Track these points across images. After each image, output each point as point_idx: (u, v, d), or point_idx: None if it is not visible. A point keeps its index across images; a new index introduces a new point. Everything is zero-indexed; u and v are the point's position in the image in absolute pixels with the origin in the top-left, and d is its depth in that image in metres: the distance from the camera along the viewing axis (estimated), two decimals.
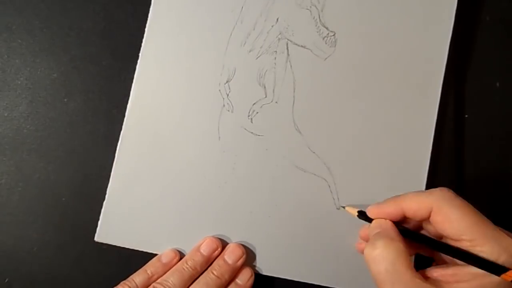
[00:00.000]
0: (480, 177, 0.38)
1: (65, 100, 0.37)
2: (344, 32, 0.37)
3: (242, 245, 0.35)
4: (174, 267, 0.34)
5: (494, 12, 0.39)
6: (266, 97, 0.37)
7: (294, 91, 0.36)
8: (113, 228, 0.36)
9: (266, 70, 0.36)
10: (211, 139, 0.36)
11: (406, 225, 0.31)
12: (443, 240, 0.29)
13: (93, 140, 0.37)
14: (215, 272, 0.34)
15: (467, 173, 0.38)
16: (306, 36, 0.37)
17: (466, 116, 0.38)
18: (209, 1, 0.37)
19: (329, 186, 0.36)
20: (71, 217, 0.37)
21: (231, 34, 0.37)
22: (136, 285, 0.33)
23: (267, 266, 0.36)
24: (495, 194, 0.38)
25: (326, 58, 0.37)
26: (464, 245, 0.27)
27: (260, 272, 0.36)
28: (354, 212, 0.33)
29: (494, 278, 0.26)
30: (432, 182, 0.36)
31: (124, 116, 0.36)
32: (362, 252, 0.32)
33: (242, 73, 0.36)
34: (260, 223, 0.36)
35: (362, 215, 0.33)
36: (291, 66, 0.37)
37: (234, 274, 0.35)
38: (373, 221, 0.31)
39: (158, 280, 0.33)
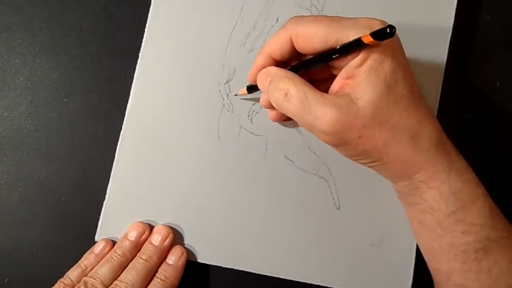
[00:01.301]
0: (480, 177, 0.38)
1: (65, 100, 0.37)
2: None
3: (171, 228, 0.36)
4: (104, 258, 0.34)
5: (494, 12, 0.39)
6: None
7: None
8: (113, 228, 0.36)
9: None
10: (211, 139, 0.36)
11: None
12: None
13: (93, 140, 0.37)
14: (143, 256, 0.34)
15: None
16: None
17: (466, 116, 0.38)
18: (209, 1, 0.37)
19: (329, 186, 0.36)
20: (71, 217, 0.37)
21: (231, 34, 0.37)
22: (72, 281, 0.33)
23: (267, 266, 0.36)
24: (495, 194, 0.38)
25: None
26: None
27: (260, 272, 0.36)
28: (244, 91, 0.34)
29: (371, 56, 0.27)
30: None
31: (124, 116, 0.36)
32: (280, 119, 0.34)
33: (242, 73, 0.36)
34: (260, 223, 0.36)
35: (251, 88, 0.34)
36: None
37: (164, 255, 0.35)
38: (258, 77, 0.32)
39: (89, 274, 0.33)
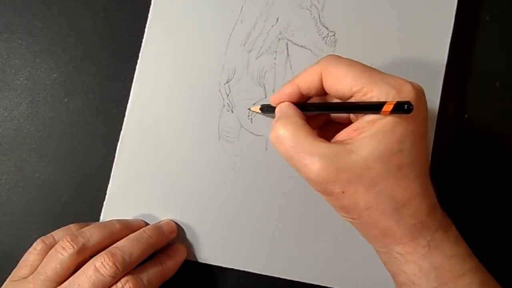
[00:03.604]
0: (480, 177, 0.38)
1: (65, 100, 0.37)
2: (344, 32, 0.37)
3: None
4: (133, 235, 0.33)
5: (494, 12, 0.39)
6: (266, 97, 0.36)
7: None
8: None
9: (266, 70, 0.36)
10: (211, 139, 0.36)
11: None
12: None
13: (93, 140, 0.37)
14: (147, 231, 0.33)
15: (467, 173, 0.38)
16: (306, 36, 0.36)
17: (466, 116, 0.38)
18: (209, 1, 0.37)
19: None
20: (71, 217, 0.37)
21: (231, 34, 0.37)
22: (55, 241, 0.33)
23: (267, 266, 0.36)
24: (495, 194, 0.38)
25: None
26: (358, 97, 0.27)
27: (260, 272, 0.36)
28: (257, 109, 0.34)
29: (387, 117, 0.26)
30: (433, 182, 0.36)
31: (124, 116, 0.36)
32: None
33: (242, 73, 0.36)
34: (260, 223, 0.36)
35: (266, 108, 0.34)
36: (291, 66, 0.37)
37: (164, 241, 0.34)
38: (276, 108, 0.31)
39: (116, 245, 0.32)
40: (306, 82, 0.30)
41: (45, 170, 0.37)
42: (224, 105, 0.36)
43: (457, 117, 0.38)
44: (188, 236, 0.36)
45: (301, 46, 0.37)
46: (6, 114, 0.37)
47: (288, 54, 0.37)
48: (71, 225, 0.34)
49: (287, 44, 0.37)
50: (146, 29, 0.36)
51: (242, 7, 0.37)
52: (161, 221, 0.35)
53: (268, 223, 0.36)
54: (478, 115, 0.38)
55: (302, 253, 0.36)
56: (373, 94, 0.26)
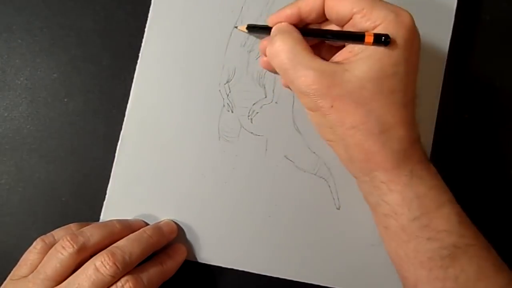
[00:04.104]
0: (480, 177, 0.38)
1: (65, 100, 0.37)
2: None
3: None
4: (133, 235, 0.33)
5: (494, 12, 0.39)
6: (266, 97, 0.37)
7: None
8: None
9: (266, 71, 0.36)
10: (211, 139, 0.36)
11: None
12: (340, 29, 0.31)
13: (93, 140, 0.37)
14: (147, 231, 0.33)
15: (467, 173, 0.38)
16: None
17: (466, 116, 0.38)
18: (209, 1, 0.37)
19: (329, 186, 0.36)
20: (71, 217, 0.37)
21: (231, 35, 0.37)
22: (55, 240, 0.33)
23: (267, 266, 0.36)
24: (495, 194, 0.38)
25: None
26: (357, 19, 0.28)
27: (260, 272, 0.36)
28: (244, 28, 0.34)
29: (378, 47, 0.27)
30: None
31: (124, 116, 0.36)
32: (267, 68, 0.34)
33: (242, 73, 0.36)
34: (260, 223, 0.36)
35: (253, 27, 0.34)
36: None
37: (164, 241, 0.34)
38: (273, 28, 0.31)
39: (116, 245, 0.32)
40: (308, 5, 0.30)
41: (45, 170, 0.37)
42: (224, 105, 0.36)
43: (457, 117, 0.38)
44: (188, 236, 0.36)
45: None
46: (6, 114, 0.37)
47: None
48: (71, 225, 0.34)
49: None
50: (146, 29, 0.36)
51: (242, 7, 0.37)
52: (161, 221, 0.35)
53: (268, 223, 0.36)
54: (478, 115, 0.38)
55: (302, 253, 0.36)
56: (372, 15, 0.27)
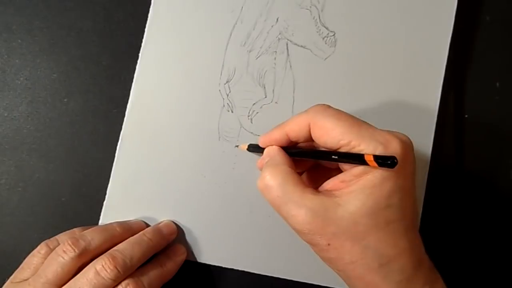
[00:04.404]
0: (480, 177, 0.38)
1: (65, 100, 0.37)
2: (344, 32, 0.37)
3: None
4: (133, 238, 0.33)
5: (494, 12, 0.39)
6: (266, 97, 0.37)
7: (294, 91, 0.37)
8: None
9: (266, 70, 0.36)
10: (211, 139, 0.36)
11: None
12: None
13: (93, 140, 0.37)
14: (147, 234, 0.33)
15: (467, 173, 0.38)
16: (306, 36, 0.37)
17: (466, 116, 0.38)
18: (209, 1, 0.37)
19: None
20: (71, 217, 0.37)
21: (231, 34, 0.37)
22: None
23: (267, 266, 0.36)
24: (495, 194, 0.38)
25: (326, 58, 0.37)
26: (345, 150, 0.27)
27: (260, 272, 0.36)
28: (245, 147, 0.35)
29: (374, 172, 0.26)
30: (433, 182, 0.36)
31: (124, 116, 0.36)
32: None
33: (242, 73, 0.36)
34: (260, 223, 0.36)
35: (253, 147, 0.34)
36: (291, 66, 0.37)
37: (164, 243, 0.34)
38: (264, 151, 0.31)
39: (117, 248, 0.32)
40: (294, 131, 0.29)
41: (45, 170, 0.37)
42: (224, 105, 0.36)
43: (457, 117, 0.38)
44: (188, 236, 0.36)
45: (301, 46, 0.37)
46: (6, 114, 0.37)
47: (288, 54, 0.37)
48: (76, 229, 0.34)
49: (287, 44, 0.37)
50: (146, 29, 0.36)
51: (242, 7, 0.37)
52: (160, 223, 0.35)
53: (268, 223, 0.36)
54: (478, 115, 0.38)
55: (302, 253, 0.36)
56: (361, 148, 0.26)
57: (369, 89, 0.36)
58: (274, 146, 0.31)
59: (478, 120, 0.38)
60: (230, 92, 0.37)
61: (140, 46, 0.36)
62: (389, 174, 0.26)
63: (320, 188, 0.29)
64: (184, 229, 0.36)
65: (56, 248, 0.31)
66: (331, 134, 0.27)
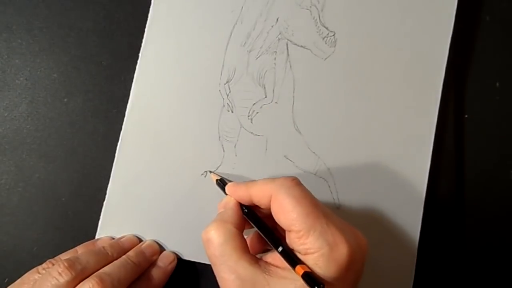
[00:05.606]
0: (480, 177, 0.38)
1: (65, 100, 0.37)
2: (344, 32, 0.37)
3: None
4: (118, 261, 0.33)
5: (494, 12, 0.39)
6: (266, 97, 0.37)
7: (294, 91, 0.37)
8: (113, 228, 0.36)
9: (266, 70, 0.36)
10: (211, 139, 0.36)
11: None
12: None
13: (93, 140, 0.37)
14: (131, 258, 0.33)
15: (467, 173, 0.38)
16: (306, 36, 0.37)
17: (466, 116, 0.38)
18: (209, 1, 0.37)
19: (329, 186, 0.36)
20: (71, 217, 0.37)
21: (231, 34, 0.37)
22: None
23: None
24: (495, 194, 0.38)
25: (326, 58, 0.37)
26: (292, 236, 0.27)
27: None
28: (214, 179, 0.35)
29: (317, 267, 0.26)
30: (433, 182, 0.36)
31: (124, 116, 0.36)
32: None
33: (242, 73, 0.36)
34: None
35: (220, 186, 0.34)
36: (291, 66, 0.37)
37: (147, 265, 0.34)
38: (225, 198, 0.32)
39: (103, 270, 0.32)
40: (258, 196, 0.29)
41: (45, 170, 0.37)
42: (224, 105, 0.36)
43: (457, 117, 0.38)
44: (188, 236, 0.36)
45: (301, 46, 0.37)
46: (6, 114, 0.37)
47: (288, 54, 0.37)
48: (78, 248, 0.34)
49: (287, 44, 0.37)
50: (146, 29, 0.36)
51: (242, 7, 0.37)
52: (143, 243, 0.35)
53: None
54: (478, 115, 0.38)
55: None
56: (307, 241, 0.26)
57: (368, 89, 0.36)
58: (232, 200, 0.31)
59: (478, 120, 0.38)
60: (230, 92, 0.37)
61: (140, 46, 0.36)
62: (325, 281, 0.25)
63: (264, 256, 0.29)
64: (184, 228, 0.36)
65: (51, 269, 0.30)
66: (286, 216, 0.27)
